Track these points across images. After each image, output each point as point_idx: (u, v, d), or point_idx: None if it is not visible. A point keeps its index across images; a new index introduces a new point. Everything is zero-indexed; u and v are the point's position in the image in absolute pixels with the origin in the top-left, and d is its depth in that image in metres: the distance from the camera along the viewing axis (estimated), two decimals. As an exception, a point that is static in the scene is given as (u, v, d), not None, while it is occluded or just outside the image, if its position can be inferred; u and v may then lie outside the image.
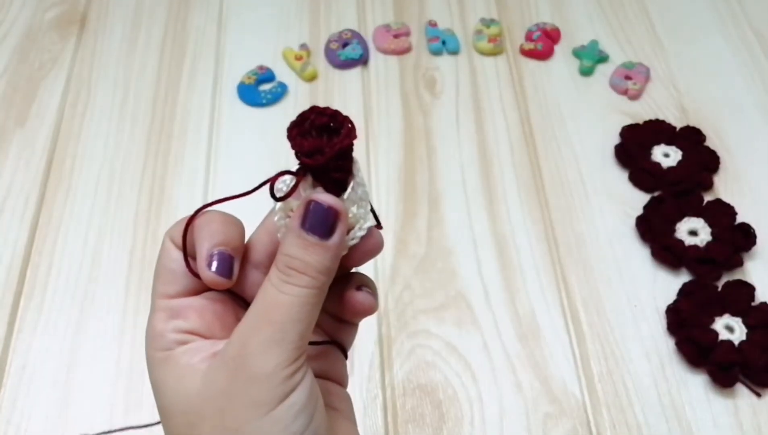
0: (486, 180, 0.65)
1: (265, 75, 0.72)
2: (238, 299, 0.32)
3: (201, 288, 0.31)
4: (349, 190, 0.30)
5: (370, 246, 0.32)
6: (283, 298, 0.28)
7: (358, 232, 0.31)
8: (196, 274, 0.30)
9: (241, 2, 0.80)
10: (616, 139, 0.67)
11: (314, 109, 0.29)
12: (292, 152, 0.30)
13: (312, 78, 0.72)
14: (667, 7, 0.79)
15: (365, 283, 0.34)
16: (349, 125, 0.29)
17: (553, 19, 0.77)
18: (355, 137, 0.29)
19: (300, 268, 0.28)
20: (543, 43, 0.74)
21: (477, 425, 0.52)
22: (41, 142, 0.68)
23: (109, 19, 0.78)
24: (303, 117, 0.29)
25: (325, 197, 0.29)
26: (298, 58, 0.73)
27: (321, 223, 0.29)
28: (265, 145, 0.67)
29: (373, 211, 0.32)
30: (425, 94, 0.72)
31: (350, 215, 0.30)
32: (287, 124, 0.30)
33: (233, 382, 0.28)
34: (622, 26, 0.77)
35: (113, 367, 0.55)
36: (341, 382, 0.34)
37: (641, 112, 0.70)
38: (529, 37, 0.75)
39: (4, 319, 0.57)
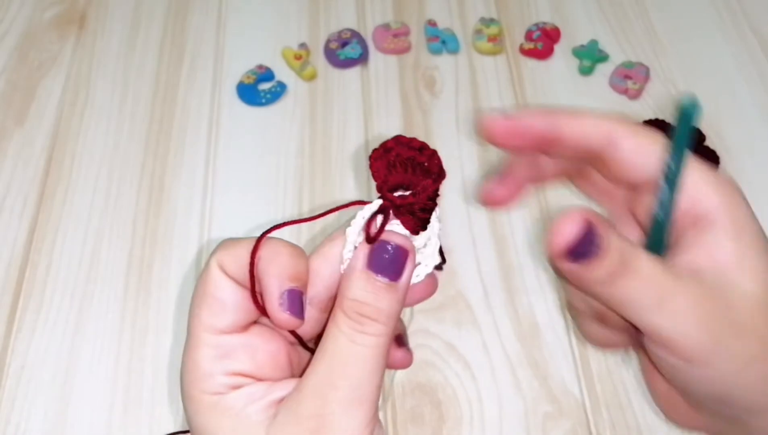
0: (485, 179, 0.65)
1: (264, 74, 0.72)
2: (284, 334, 0.30)
3: (250, 322, 0.29)
4: (428, 229, 0.28)
5: (431, 287, 0.30)
6: (358, 351, 0.26)
7: (423, 270, 0.29)
8: (263, 312, 0.28)
9: (241, 2, 0.80)
10: (615, 139, 0.67)
11: (400, 140, 0.27)
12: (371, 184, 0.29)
13: (311, 77, 0.72)
14: (666, 7, 0.79)
15: (403, 333, 0.32)
16: (441, 163, 0.28)
17: (552, 19, 0.77)
18: (445, 176, 0.28)
19: (372, 315, 0.26)
20: (543, 43, 0.74)
21: (476, 425, 0.52)
22: (40, 141, 0.68)
23: (109, 18, 0.78)
24: (387, 148, 0.27)
25: (397, 238, 0.27)
26: (298, 57, 0.73)
27: (391, 263, 0.27)
28: (265, 145, 0.67)
29: (440, 248, 0.30)
30: (425, 93, 0.72)
31: (418, 254, 0.28)
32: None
33: None
34: (621, 26, 0.77)
35: (112, 367, 0.55)
36: None
37: (641, 111, 0.70)
38: (528, 37, 0.75)
39: (3, 318, 0.57)
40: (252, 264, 0.28)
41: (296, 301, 0.27)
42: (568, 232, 0.25)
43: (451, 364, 0.55)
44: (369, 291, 0.27)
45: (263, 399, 0.27)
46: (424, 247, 0.29)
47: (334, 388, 0.26)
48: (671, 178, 0.26)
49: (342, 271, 0.28)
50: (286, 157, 0.66)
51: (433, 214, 0.29)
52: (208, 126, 0.69)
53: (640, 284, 0.25)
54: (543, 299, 0.58)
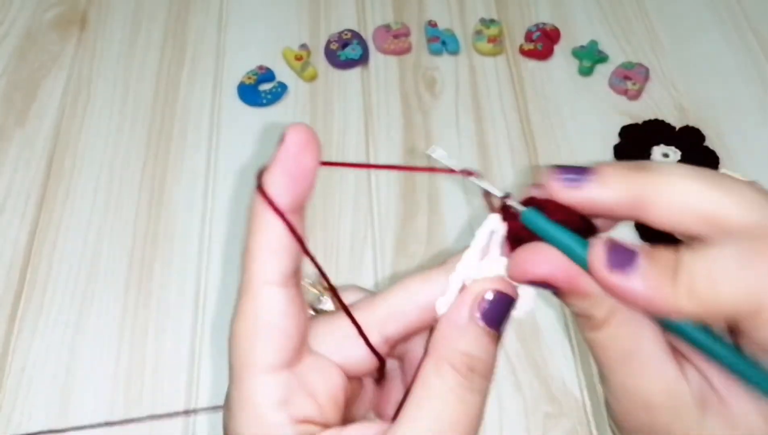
0: (486, 180, 0.65)
1: (265, 75, 0.72)
2: (337, 365, 0.26)
3: (302, 346, 0.25)
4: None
5: None
6: (468, 410, 0.24)
7: (524, 304, 0.26)
8: (379, 356, 0.26)
9: (241, 2, 0.80)
10: (615, 139, 0.67)
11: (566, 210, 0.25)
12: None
13: (312, 78, 0.72)
14: (666, 8, 0.79)
15: None
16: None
17: (552, 20, 0.77)
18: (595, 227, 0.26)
19: (483, 371, 0.24)
20: (542, 44, 0.74)
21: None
22: (41, 142, 0.68)
23: (109, 19, 0.78)
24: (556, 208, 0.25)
25: (510, 289, 0.25)
26: (298, 58, 0.73)
27: (501, 315, 0.25)
28: (265, 145, 0.67)
29: None
30: (425, 94, 0.72)
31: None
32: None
33: None
34: (621, 26, 0.77)
35: (113, 367, 0.55)
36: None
37: (640, 112, 0.70)
38: (528, 38, 0.75)
39: (4, 319, 0.57)
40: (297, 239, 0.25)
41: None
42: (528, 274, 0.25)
43: (452, 364, 0.55)
44: (482, 344, 0.25)
45: None
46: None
47: None
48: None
49: (440, 314, 0.26)
50: (286, 158, 0.66)
51: None
52: (208, 126, 0.69)
53: (595, 349, 0.25)
54: (543, 299, 0.58)
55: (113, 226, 0.62)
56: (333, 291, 0.26)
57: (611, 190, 0.24)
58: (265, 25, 0.77)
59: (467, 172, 0.27)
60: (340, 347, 0.26)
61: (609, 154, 0.67)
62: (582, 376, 0.54)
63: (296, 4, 0.79)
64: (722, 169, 0.65)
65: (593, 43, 0.74)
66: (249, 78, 0.71)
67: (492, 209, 0.27)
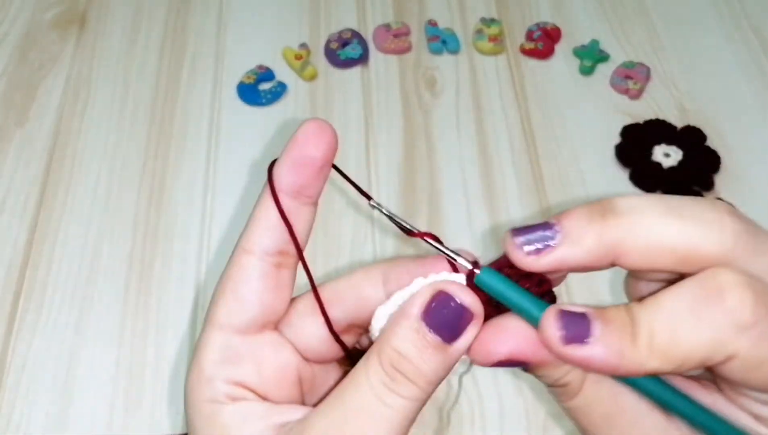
0: (486, 179, 0.65)
1: (264, 74, 0.72)
2: (297, 348, 0.27)
3: (268, 323, 0.27)
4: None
5: None
6: (383, 412, 0.23)
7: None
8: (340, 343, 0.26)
9: (241, 2, 0.80)
10: (616, 139, 0.67)
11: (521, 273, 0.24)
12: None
13: (312, 77, 0.72)
14: (667, 7, 0.79)
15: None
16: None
17: (553, 19, 0.77)
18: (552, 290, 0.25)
19: (410, 375, 0.23)
20: (543, 43, 0.74)
21: (477, 425, 0.52)
22: (41, 142, 0.68)
23: (109, 18, 0.78)
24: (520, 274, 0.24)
25: (465, 295, 0.24)
26: (298, 57, 0.73)
27: (450, 321, 0.23)
28: (265, 145, 0.67)
29: None
30: (425, 93, 0.72)
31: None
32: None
33: None
34: (622, 26, 0.77)
35: (113, 367, 0.55)
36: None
37: (642, 111, 0.69)
38: (529, 37, 0.75)
39: (3, 318, 0.57)
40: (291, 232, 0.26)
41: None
42: (489, 358, 0.23)
43: (452, 364, 0.55)
44: (415, 346, 0.23)
45: (262, 421, 0.25)
46: None
47: None
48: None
49: (374, 321, 0.26)
50: (286, 158, 0.66)
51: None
52: (208, 126, 0.69)
53: (574, 416, 0.25)
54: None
55: (113, 226, 0.62)
56: (307, 270, 0.27)
57: (580, 247, 0.23)
58: (265, 25, 0.77)
59: (427, 235, 0.27)
60: (301, 327, 0.27)
61: (610, 153, 0.66)
62: (583, 376, 0.54)
63: (296, 4, 0.79)
64: (721, 168, 0.65)
65: (594, 43, 0.74)
66: (249, 77, 0.71)
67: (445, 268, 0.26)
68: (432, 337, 0.23)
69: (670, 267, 0.22)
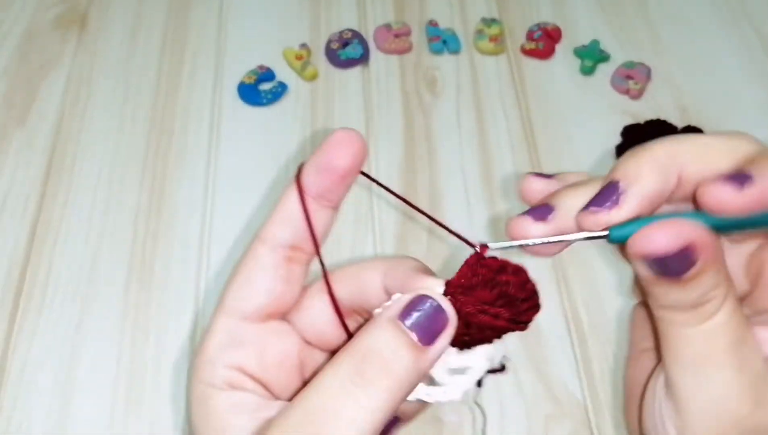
0: (487, 179, 0.65)
1: (265, 74, 0.72)
2: (301, 336, 0.28)
3: (276, 312, 0.27)
4: (479, 349, 0.26)
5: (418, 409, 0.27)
6: (348, 409, 0.22)
7: (436, 394, 0.25)
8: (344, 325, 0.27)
9: (242, 1, 0.80)
10: (617, 139, 0.67)
11: (507, 269, 0.26)
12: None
13: (312, 77, 0.72)
14: (667, 7, 0.79)
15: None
16: (533, 309, 0.25)
17: (554, 19, 0.77)
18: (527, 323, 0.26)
19: (379, 370, 0.22)
20: (544, 43, 0.74)
21: (477, 426, 0.52)
22: (41, 141, 0.68)
23: (110, 18, 0.78)
24: (493, 268, 0.25)
25: (443, 302, 0.24)
26: (299, 57, 0.73)
27: (426, 322, 0.23)
28: (266, 145, 0.67)
29: (480, 382, 0.26)
30: (426, 93, 0.72)
31: (456, 367, 0.25)
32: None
33: None
34: (622, 26, 0.77)
35: (113, 367, 0.55)
36: None
37: (642, 111, 0.69)
38: (530, 37, 0.75)
39: (4, 319, 0.57)
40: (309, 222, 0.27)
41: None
42: (663, 244, 0.23)
43: (452, 364, 0.55)
44: (389, 343, 0.23)
45: (253, 414, 0.24)
46: (456, 373, 0.25)
47: None
48: None
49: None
50: (287, 157, 0.66)
51: (484, 349, 0.26)
52: (209, 126, 0.69)
53: (697, 343, 0.24)
54: (544, 299, 0.58)
55: (113, 226, 0.62)
56: (320, 260, 0.27)
57: (646, 178, 0.25)
58: (266, 25, 0.77)
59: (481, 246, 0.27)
60: (310, 307, 0.28)
61: (610, 153, 0.66)
62: (584, 377, 0.54)
63: (297, 4, 0.79)
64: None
65: (595, 43, 0.74)
66: (249, 77, 0.71)
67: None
68: (408, 335, 0.23)
69: (725, 165, 0.24)
